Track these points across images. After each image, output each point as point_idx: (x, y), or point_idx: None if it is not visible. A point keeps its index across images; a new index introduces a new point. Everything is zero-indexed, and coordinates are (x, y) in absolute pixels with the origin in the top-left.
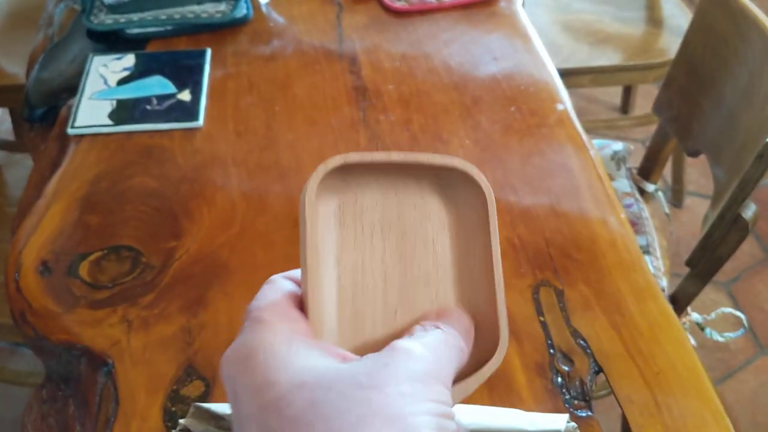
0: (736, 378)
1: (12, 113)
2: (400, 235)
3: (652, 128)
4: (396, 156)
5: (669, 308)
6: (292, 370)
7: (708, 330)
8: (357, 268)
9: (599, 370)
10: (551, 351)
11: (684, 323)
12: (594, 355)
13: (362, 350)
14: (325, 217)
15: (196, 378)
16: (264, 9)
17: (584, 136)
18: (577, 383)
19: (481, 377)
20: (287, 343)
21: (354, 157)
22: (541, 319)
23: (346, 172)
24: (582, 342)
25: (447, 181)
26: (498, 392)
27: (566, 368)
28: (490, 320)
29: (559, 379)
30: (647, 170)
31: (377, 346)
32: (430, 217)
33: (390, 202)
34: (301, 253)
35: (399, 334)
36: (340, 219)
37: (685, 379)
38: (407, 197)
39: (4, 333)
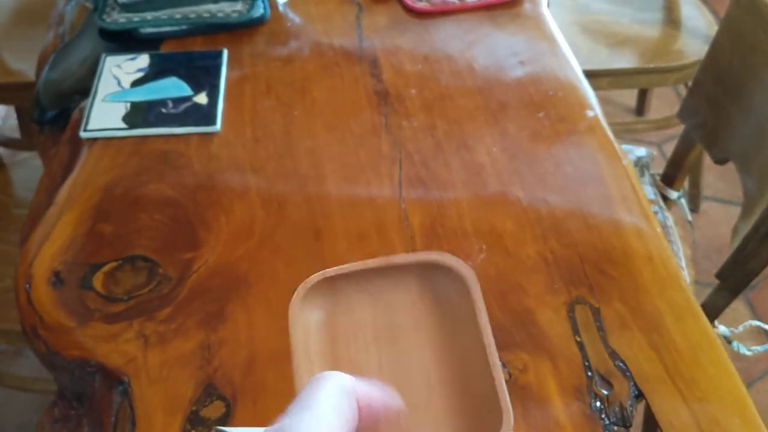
0: (755, 388)
1: (18, 111)
2: (394, 341)
3: (669, 132)
4: (373, 263)
5: (710, 328)
6: None
7: (735, 343)
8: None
9: (639, 394)
10: (589, 373)
11: None
12: (634, 378)
13: None
14: (317, 332)
15: (216, 398)
16: (281, 8)
17: (616, 145)
18: (617, 408)
19: None
20: None
21: (332, 271)
22: (578, 338)
23: (331, 284)
24: (621, 364)
25: (431, 274)
26: (534, 417)
27: (605, 392)
28: (495, 403)
29: (598, 404)
30: (670, 177)
31: None
32: (420, 316)
33: (379, 310)
34: (294, 371)
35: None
36: (333, 333)
37: (730, 405)
38: (396, 301)
39: (11, 338)
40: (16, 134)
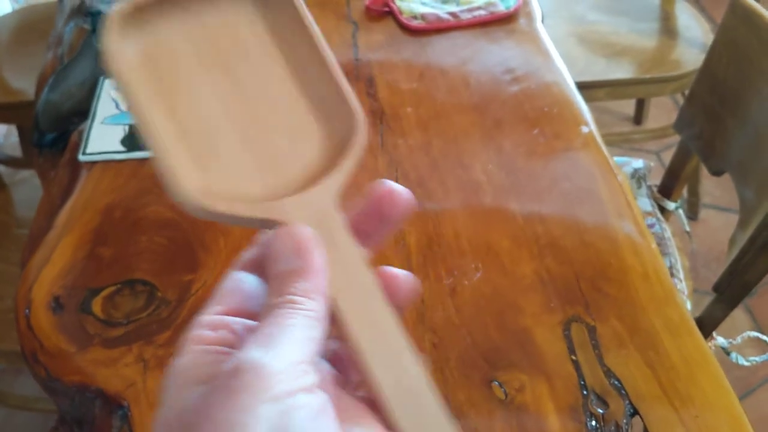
0: (755, 396)
1: (19, 129)
2: (223, 64)
3: (667, 141)
4: None
5: (705, 344)
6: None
7: (734, 354)
8: (191, 110)
9: (635, 412)
10: (584, 392)
11: (709, 347)
12: (629, 397)
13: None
14: (136, 71)
15: None
16: None
17: (611, 160)
18: (613, 427)
19: (354, 157)
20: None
21: None
22: (573, 357)
23: (143, 17)
24: (616, 382)
25: (256, 4)
26: None
27: (600, 411)
28: (339, 104)
29: (593, 423)
30: (668, 188)
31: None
32: (245, 36)
33: (198, 36)
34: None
35: (261, 147)
36: (152, 69)
37: (725, 422)
38: (215, 25)
39: (12, 359)
40: (17, 152)
